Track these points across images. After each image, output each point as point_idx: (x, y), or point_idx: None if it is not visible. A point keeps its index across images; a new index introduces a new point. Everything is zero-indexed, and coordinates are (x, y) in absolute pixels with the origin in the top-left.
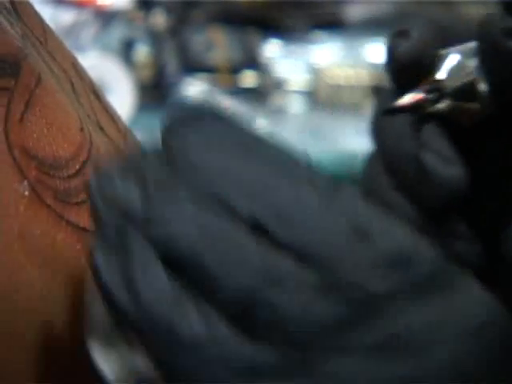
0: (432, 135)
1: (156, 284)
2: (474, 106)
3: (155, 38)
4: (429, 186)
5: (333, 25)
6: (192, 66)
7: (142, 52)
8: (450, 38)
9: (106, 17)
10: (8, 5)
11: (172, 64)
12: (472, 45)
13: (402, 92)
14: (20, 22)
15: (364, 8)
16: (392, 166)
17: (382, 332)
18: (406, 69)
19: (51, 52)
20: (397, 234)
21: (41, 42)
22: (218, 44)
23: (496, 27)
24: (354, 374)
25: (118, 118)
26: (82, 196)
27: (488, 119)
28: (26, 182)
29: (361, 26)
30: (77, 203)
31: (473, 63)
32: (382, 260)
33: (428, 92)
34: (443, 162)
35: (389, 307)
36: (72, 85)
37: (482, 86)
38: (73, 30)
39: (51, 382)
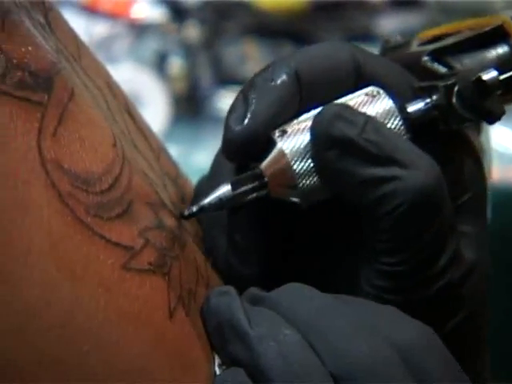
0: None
1: None
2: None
3: (189, 51)
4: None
5: (365, 37)
6: (226, 79)
7: (176, 64)
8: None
9: (140, 29)
10: (42, 20)
11: (206, 76)
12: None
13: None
14: (54, 37)
15: (396, 20)
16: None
17: None
18: (240, 150)
19: (85, 69)
20: None
21: (75, 59)
22: (251, 56)
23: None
24: None
25: (152, 136)
26: (115, 211)
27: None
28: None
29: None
30: (109, 218)
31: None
32: None
33: (251, 180)
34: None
35: None
36: (106, 102)
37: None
38: (106, 42)
39: None
